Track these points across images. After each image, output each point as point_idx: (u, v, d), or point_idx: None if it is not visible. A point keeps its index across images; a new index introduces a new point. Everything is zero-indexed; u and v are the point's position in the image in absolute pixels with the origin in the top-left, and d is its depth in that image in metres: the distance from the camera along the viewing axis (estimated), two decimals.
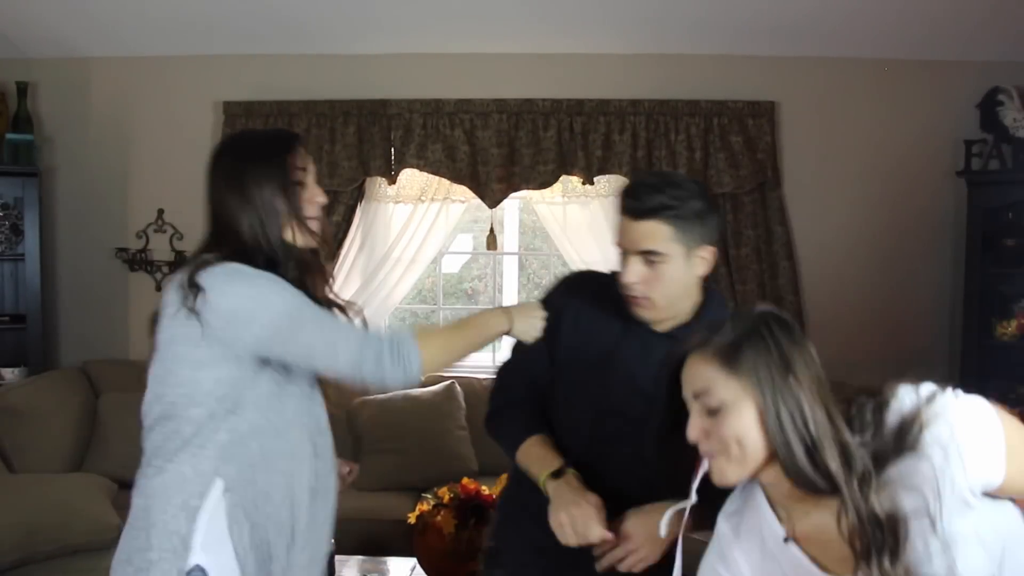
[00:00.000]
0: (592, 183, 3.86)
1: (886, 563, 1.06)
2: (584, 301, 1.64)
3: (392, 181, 3.92)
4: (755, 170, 3.82)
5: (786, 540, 1.17)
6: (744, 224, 3.87)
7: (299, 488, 1.49)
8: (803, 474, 1.10)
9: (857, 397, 1.15)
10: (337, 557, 2.54)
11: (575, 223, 4.01)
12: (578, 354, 1.61)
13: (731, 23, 3.61)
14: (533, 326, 1.61)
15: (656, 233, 1.48)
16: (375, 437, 3.66)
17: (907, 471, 1.08)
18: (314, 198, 1.59)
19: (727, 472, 1.17)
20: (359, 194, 3.95)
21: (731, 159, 3.81)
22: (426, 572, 2.65)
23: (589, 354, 1.59)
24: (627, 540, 1.45)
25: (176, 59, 3.98)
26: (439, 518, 2.61)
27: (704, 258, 1.53)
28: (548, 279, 4.57)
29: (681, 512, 1.29)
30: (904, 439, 1.09)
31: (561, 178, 3.87)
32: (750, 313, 1.19)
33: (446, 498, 2.66)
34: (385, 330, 1.60)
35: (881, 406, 1.13)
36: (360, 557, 2.80)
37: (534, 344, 1.62)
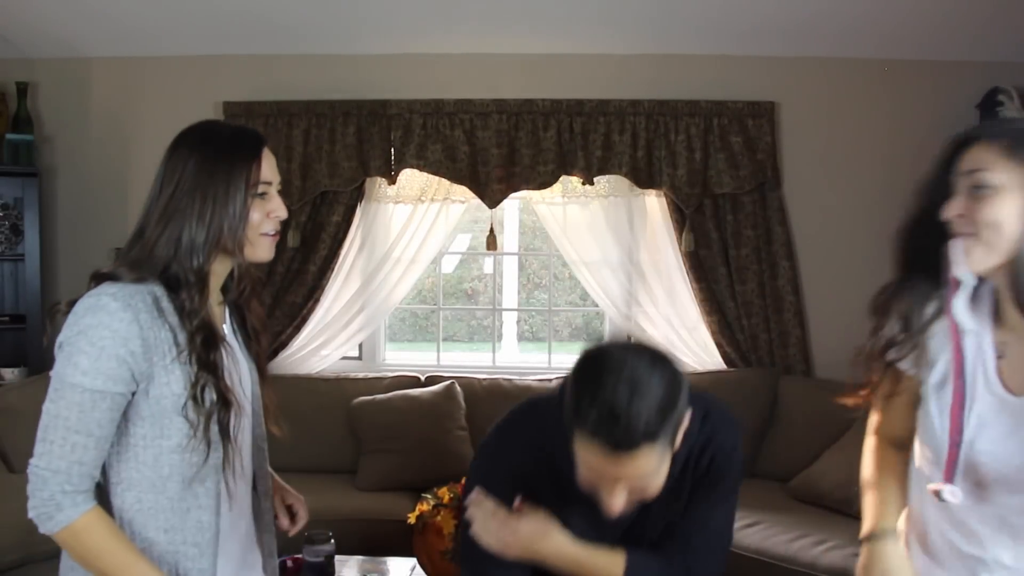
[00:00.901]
0: (592, 183, 3.86)
1: None
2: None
3: (392, 181, 3.92)
4: (755, 170, 3.82)
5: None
6: (744, 224, 3.87)
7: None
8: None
9: None
10: (337, 557, 2.54)
11: (575, 223, 4.01)
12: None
13: (731, 23, 3.61)
14: None
15: (649, 459, 1.25)
16: (375, 437, 3.66)
17: None
18: (275, 211, 1.44)
19: (974, 254, 1.21)
20: (359, 194, 3.95)
21: (731, 159, 3.81)
22: (426, 572, 2.65)
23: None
24: None
25: (176, 59, 3.98)
26: (439, 518, 2.61)
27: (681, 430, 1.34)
28: (548, 279, 4.57)
29: None
30: None
31: (561, 178, 3.87)
32: None
33: (446, 498, 2.66)
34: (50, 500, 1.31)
35: None
36: (360, 557, 2.80)
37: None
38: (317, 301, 3.94)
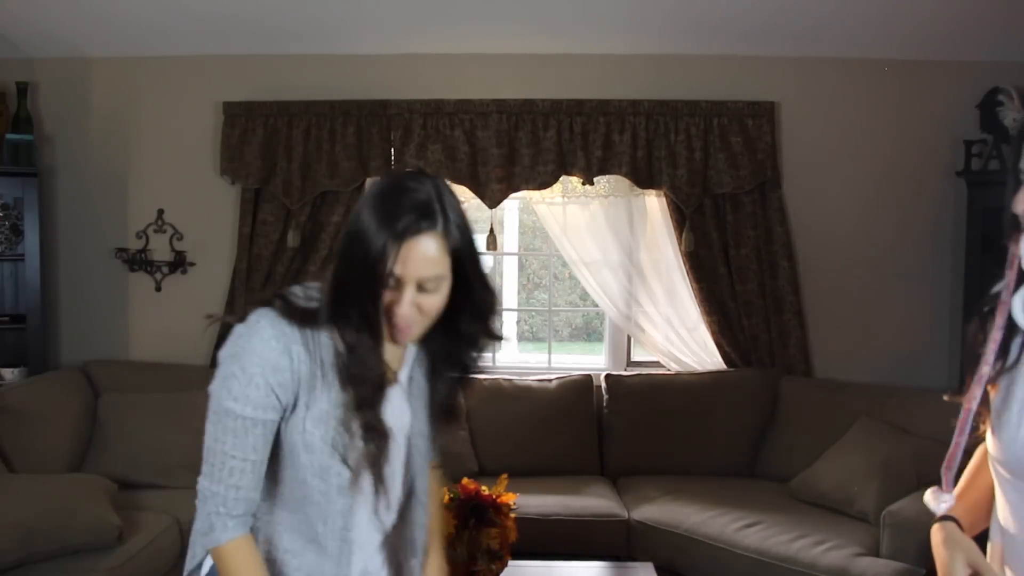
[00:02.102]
0: (592, 183, 3.86)
1: None
2: None
3: None
4: (755, 170, 3.82)
5: None
6: (744, 224, 3.87)
7: None
8: None
9: None
10: None
11: (575, 223, 4.01)
12: None
13: (731, 23, 3.61)
14: None
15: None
16: None
17: None
18: (395, 306, 1.27)
19: None
20: (359, 194, 3.95)
21: (731, 159, 3.81)
22: None
23: None
24: None
25: (176, 59, 3.98)
26: None
27: None
28: (548, 279, 4.57)
29: None
30: None
31: (561, 178, 3.87)
32: None
33: (446, 498, 2.66)
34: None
35: None
36: None
37: None
38: None
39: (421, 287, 1.26)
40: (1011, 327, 1.27)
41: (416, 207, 1.23)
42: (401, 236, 1.22)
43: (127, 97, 4.02)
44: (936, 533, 1.37)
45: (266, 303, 1.30)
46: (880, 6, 3.41)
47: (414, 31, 3.76)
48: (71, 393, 3.61)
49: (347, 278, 1.26)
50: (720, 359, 3.96)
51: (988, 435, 1.34)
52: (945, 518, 1.38)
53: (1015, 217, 1.22)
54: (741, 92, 3.86)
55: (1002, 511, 1.34)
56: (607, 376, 3.96)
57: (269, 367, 1.25)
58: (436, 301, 1.29)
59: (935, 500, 1.32)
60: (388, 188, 1.27)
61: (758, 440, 3.74)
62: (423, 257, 1.24)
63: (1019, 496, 1.29)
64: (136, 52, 3.95)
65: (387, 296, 1.26)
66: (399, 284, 1.25)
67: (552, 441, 3.76)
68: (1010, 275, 1.25)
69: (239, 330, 1.28)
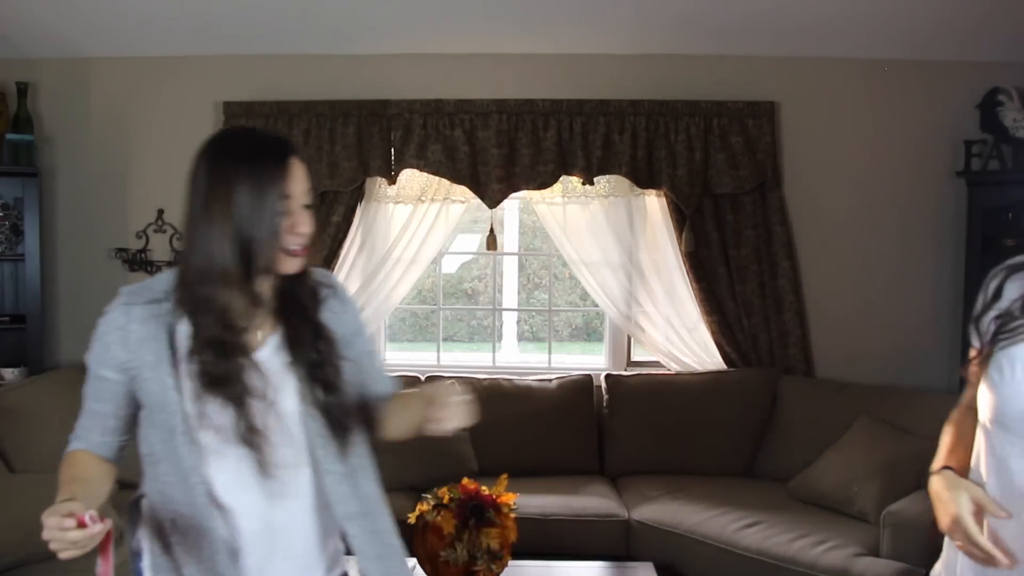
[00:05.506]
0: (592, 183, 3.86)
1: None
2: None
3: (392, 181, 3.91)
4: (755, 170, 3.82)
5: None
6: (744, 224, 3.87)
7: None
8: None
9: None
10: None
11: (575, 223, 4.00)
12: None
13: (731, 23, 3.61)
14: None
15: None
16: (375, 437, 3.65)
17: None
18: (297, 226, 1.39)
19: None
20: (359, 194, 3.95)
21: (731, 159, 3.81)
22: (426, 572, 2.65)
23: None
24: None
25: (176, 59, 3.98)
26: (439, 518, 2.61)
27: None
28: (548, 279, 4.57)
29: None
30: None
31: (561, 178, 3.87)
32: None
33: (446, 498, 2.66)
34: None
35: None
36: None
37: None
38: None
39: (303, 204, 1.40)
40: None
41: (269, 139, 1.43)
42: (282, 159, 1.37)
43: (127, 97, 4.02)
44: (936, 481, 1.43)
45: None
46: (880, 6, 3.41)
47: (414, 31, 3.76)
48: (71, 393, 3.57)
49: (228, 228, 1.35)
50: (720, 359, 3.96)
51: (984, 393, 1.39)
52: (943, 469, 1.44)
53: None
54: (741, 92, 3.86)
55: (988, 468, 1.40)
56: (607, 376, 3.96)
57: (114, 332, 1.41)
58: (311, 218, 1.42)
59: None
60: (232, 138, 1.47)
61: (758, 440, 3.74)
62: (302, 172, 1.40)
63: (1009, 449, 1.35)
64: (136, 52, 3.95)
65: (283, 224, 1.37)
66: (292, 205, 1.37)
67: (552, 441, 3.76)
68: None
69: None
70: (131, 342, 1.41)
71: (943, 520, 1.38)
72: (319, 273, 1.54)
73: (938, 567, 1.55)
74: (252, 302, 1.42)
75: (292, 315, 1.48)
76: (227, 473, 1.42)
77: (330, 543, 1.55)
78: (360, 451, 1.58)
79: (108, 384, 1.47)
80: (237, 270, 1.36)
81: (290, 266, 1.41)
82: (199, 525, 1.40)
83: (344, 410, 1.51)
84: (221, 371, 1.39)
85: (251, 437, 1.40)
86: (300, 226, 1.38)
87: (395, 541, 1.55)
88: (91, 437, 1.53)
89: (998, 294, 1.42)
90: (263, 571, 1.46)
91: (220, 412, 1.39)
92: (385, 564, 1.52)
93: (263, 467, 1.42)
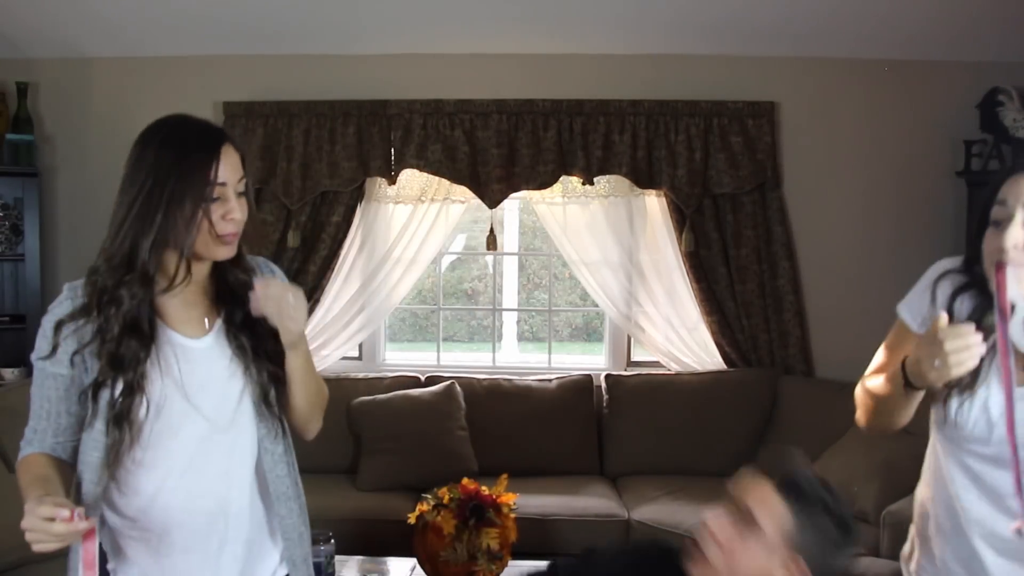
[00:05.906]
0: (592, 183, 3.86)
1: None
2: None
3: (392, 181, 3.92)
4: (755, 170, 3.82)
5: None
6: (744, 224, 3.87)
7: None
8: None
9: None
10: (337, 557, 2.54)
11: (575, 223, 4.01)
12: None
13: (731, 23, 3.61)
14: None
15: None
16: (375, 437, 3.66)
17: None
18: (229, 213, 1.40)
19: None
20: (359, 194, 3.95)
21: (731, 159, 3.81)
22: (426, 572, 2.65)
23: None
24: None
25: (176, 59, 3.98)
26: (439, 518, 2.61)
27: None
28: (548, 279, 4.57)
29: None
30: None
31: (561, 178, 3.87)
32: None
33: (446, 498, 2.66)
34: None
35: None
36: (360, 557, 2.80)
37: None
38: (317, 301, 3.94)
39: (236, 192, 1.41)
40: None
41: (205, 127, 1.43)
42: (215, 146, 1.38)
43: (127, 97, 4.02)
44: (906, 362, 1.45)
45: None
46: (880, 6, 3.42)
47: (414, 31, 3.76)
48: None
49: (160, 214, 1.35)
50: (720, 359, 3.96)
51: (952, 409, 1.41)
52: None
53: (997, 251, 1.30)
54: (741, 92, 3.86)
55: (954, 485, 1.44)
56: (607, 376, 3.96)
57: (65, 326, 1.43)
58: (245, 205, 1.43)
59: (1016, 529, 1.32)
60: (168, 126, 1.44)
61: (758, 440, 3.74)
62: (235, 160, 1.41)
63: (979, 465, 1.39)
64: (136, 52, 3.95)
65: (214, 210, 1.37)
66: (223, 192, 1.38)
67: (552, 441, 3.76)
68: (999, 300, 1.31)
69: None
70: (81, 332, 1.43)
71: (922, 356, 1.36)
72: (258, 260, 1.56)
73: (906, 548, 1.55)
74: (174, 286, 1.42)
75: (229, 302, 1.50)
76: (173, 458, 1.45)
77: (275, 524, 1.58)
78: (288, 432, 1.61)
79: (60, 381, 1.49)
80: (157, 256, 1.37)
81: (222, 252, 1.43)
82: (144, 515, 1.45)
83: (281, 391, 1.54)
84: (125, 352, 1.41)
85: (120, 423, 1.42)
86: (232, 212, 1.40)
87: (307, 524, 1.62)
88: (45, 440, 1.53)
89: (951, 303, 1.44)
90: (215, 555, 1.48)
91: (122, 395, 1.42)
92: (305, 545, 1.60)
93: (115, 458, 1.44)
